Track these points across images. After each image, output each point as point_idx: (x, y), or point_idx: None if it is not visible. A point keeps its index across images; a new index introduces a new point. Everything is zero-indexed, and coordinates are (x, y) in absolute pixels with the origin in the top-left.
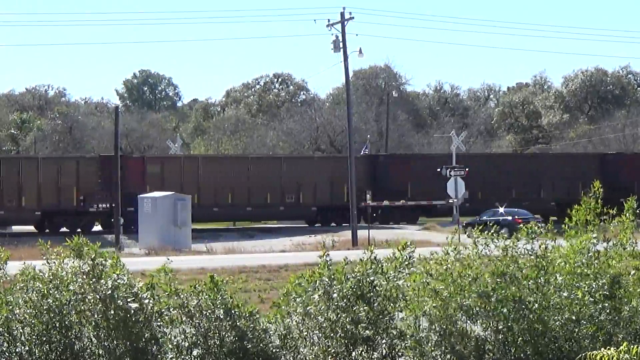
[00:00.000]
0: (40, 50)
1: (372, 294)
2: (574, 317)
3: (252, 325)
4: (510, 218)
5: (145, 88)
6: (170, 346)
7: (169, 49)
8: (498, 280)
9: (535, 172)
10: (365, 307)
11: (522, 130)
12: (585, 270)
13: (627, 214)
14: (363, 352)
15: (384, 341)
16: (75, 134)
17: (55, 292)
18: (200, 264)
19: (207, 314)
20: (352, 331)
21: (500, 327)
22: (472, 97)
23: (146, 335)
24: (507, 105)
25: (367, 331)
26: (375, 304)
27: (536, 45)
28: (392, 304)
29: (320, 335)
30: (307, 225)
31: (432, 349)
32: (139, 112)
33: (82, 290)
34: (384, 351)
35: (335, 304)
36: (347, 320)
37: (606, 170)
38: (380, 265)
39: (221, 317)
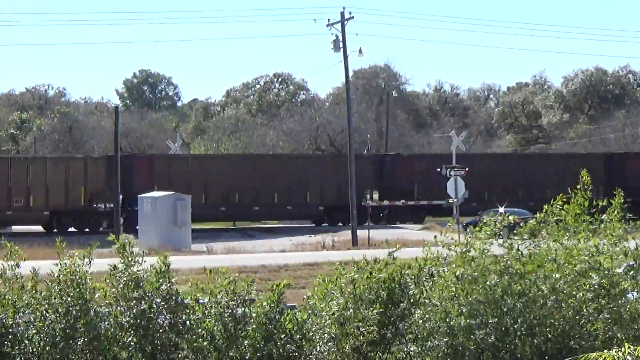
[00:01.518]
0: (40, 50)
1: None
2: (571, 314)
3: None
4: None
5: (145, 88)
6: (187, 352)
7: (168, 48)
8: (502, 274)
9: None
10: (394, 308)
11: (522, 130)
12: (583, 266)
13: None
14: (379, 353)
15: (404, 345)
16: (75, 134)
17: (70, 291)
18: (200, 264)
19: (231, 312)
20: (372, 333)
21: (500, 323)
22: (472, 97)
23: (164, 336)
24: (507, 105)
25: (389, 333)
26: (402, 306)
27: (536, 45)
28: (414, 307)
29: (336, 335)
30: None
31: (439, 348)
32: (139, 111)
33: (113, 283)
34: (401, 355)
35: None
36: (368, 323)
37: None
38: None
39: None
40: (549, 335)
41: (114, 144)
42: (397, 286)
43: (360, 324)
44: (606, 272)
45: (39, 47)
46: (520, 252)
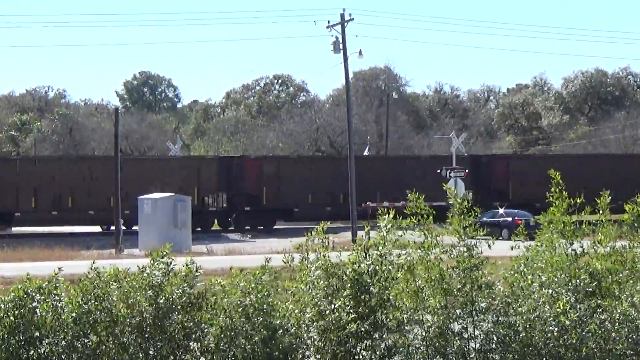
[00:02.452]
0: (40, 52)
1: (371, 283)
2: (555, 320)
3: (282, 325)
4: (510, 219)
5: (145, 89)
6: (198, 346)
7: (169, 50)
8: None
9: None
10: (366, 301)
11: (522, 132)
12: (564, 266)
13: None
14: (362, 352)
15: (382, 340)
16: (75, 136)
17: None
18: (201, 265)
19: (241, 310)
20: (350, 326)
21: (481, 323)
22: (472, 99)
23: (180, 332)
24: (507, 106)
25: (365, 325)
26: (374, 295)
27: (536, 47)
28: (388, 299)
29: (320, 334)
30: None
31: (420, 349)
32: (139, 113)
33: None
34: (382, 351)
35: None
36: (344, 314)
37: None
38: (380, 260)
39: (254, 313)
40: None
41: (114, 145)
42: (361, 277)
43: (338, 315)
44: (590, 274)
45: (39, 49)
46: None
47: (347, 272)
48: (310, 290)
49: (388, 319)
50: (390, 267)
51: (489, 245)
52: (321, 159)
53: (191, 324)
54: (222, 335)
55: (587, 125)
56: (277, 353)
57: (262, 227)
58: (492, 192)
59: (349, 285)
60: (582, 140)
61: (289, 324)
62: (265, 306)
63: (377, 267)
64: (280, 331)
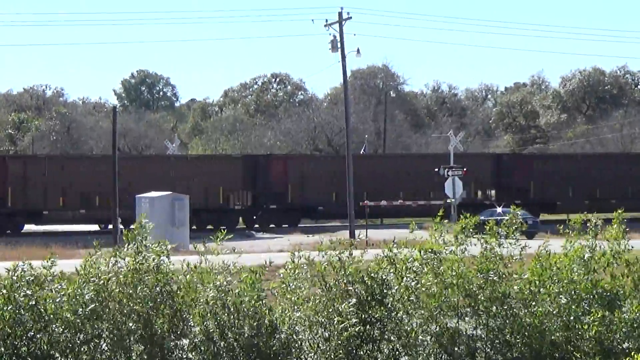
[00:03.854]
0: (38, 50)
1: (385, 292)
2: (571, 318)
3: (267, 321)
4: (507, 218)
5: (143, 88)
6: (187, 344)
7: (166, 49)
8: (482, 278)
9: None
10: (377, 307)
11: (519, 130)
12: (581, 278)
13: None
14: (368, 352)
15: (390, 343)
16: (73, 134)
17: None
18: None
19: (228, 306)
20: (360, 331)
21: (490, 324)
22: (469, 97)
23: (165, 327)
24: (504, 105)
25: (376, 331)
26: (388, 304)
27: (534, 45)
28: (402, 305)
29: (324, 334)
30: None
31: (426, 349)
32: (137, 112)
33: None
34: (387, 352)
35: (344, 302)
36: (356, 320)
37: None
38: (394, 265)
39: (242, 312)
40: (546, 338)
41: (112, 144)
42: (375, 283)
43: (339, 318)
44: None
45: (36, 48)
46: (499, 254)
47: (365, 279)
48: (321, 293)
49: (397, 326)
50: (411, 277)
51: (520, 255)
52: (86, 158)
53: (183, 307)
54: (205, 326)
55: (585, 123)
56: (265, 349)
57: (9, 232)
58: (271, 195)
59: (363, 290)
60: (580, 139)
61: (279, 323)
62: (246, 304)
63: (396, 277)
64: (269, 330)
